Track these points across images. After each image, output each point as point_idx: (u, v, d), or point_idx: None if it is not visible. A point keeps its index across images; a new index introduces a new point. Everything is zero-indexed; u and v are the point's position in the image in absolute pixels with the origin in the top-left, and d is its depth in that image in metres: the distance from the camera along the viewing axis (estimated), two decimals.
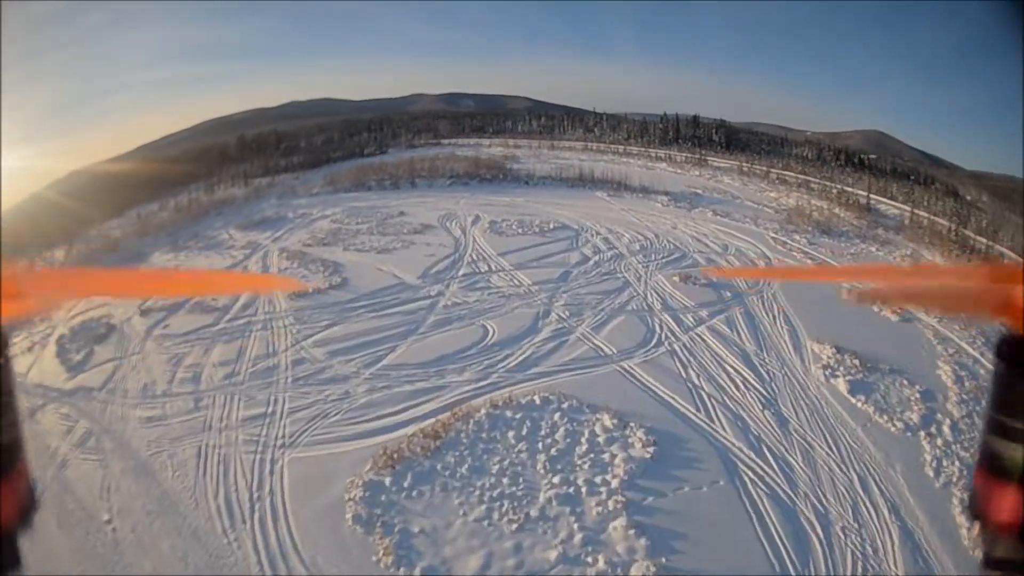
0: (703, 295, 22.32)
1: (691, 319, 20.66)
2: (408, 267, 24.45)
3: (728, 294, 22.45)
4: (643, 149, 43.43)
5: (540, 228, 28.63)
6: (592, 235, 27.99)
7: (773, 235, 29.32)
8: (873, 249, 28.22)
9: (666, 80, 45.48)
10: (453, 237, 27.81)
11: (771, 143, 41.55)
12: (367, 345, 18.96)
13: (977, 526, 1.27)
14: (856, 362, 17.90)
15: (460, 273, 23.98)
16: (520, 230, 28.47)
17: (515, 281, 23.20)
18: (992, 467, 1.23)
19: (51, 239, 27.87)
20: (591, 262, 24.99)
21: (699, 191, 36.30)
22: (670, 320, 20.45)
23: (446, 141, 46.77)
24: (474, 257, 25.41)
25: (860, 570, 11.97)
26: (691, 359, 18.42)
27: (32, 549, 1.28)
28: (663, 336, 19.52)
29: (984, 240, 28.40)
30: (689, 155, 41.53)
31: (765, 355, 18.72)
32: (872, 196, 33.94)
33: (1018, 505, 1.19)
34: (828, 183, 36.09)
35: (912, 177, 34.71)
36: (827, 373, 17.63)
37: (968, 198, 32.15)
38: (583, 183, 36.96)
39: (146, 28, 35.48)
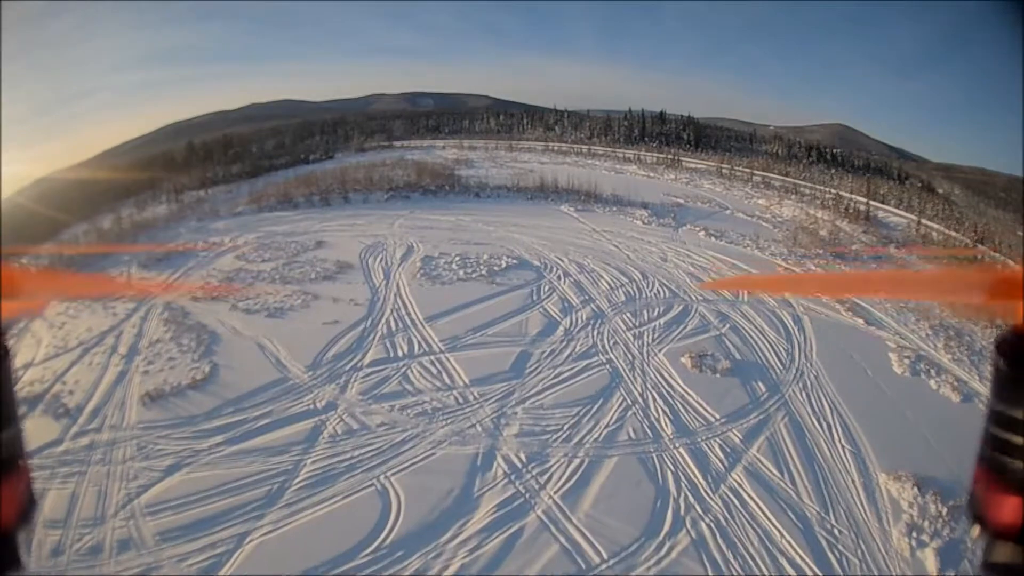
0: (729, 394, 13.16)
1: (720, 454, 11.35)
2: (300, 344, 14.99)
3: (762, 387, 13.42)
4: (609, 148, 36.51)
5: (489, 267, 19.07)
6: (559, 277, 18.53)
7: (784, 263, 20.97)
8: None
9: (627, 76, 38.61)
10: (371, 287, 18.18)
11: (739, 139, 35.82)
12: (201, 527, 9.81)
13: (976, 528, 1.13)
14: (942, 508, 10.35)
15: (367, 360, 14.41)
16: (462, 271, 18.90)
17: (445, 377, 13.67)
18: (991, 469, 1.12)
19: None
20: (559, 331, 15.45)
21: (681, 200, 27.92)
22: (689, 462, 11.14)
23: (398, 143, 39.98)
24: (392, 326, 15.83)
25: None
26: (729, 552, 9.34)
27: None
28: (682, 506, 10.19)
29: (1001, 257, 22.85)
30: (660, 155, 34.75)
31: (832, 518, 10.15)
32: (871, 203, 27.90)
33: (1017, 507, 1.08)
34: (816, 186, 30.09)
35: (886, 173, 30.75)
36: (912, 537, 9.95)
37: (940, 191, 28.65)
38: (545, 194, 27.62)
39: (109, 33, 30.34)
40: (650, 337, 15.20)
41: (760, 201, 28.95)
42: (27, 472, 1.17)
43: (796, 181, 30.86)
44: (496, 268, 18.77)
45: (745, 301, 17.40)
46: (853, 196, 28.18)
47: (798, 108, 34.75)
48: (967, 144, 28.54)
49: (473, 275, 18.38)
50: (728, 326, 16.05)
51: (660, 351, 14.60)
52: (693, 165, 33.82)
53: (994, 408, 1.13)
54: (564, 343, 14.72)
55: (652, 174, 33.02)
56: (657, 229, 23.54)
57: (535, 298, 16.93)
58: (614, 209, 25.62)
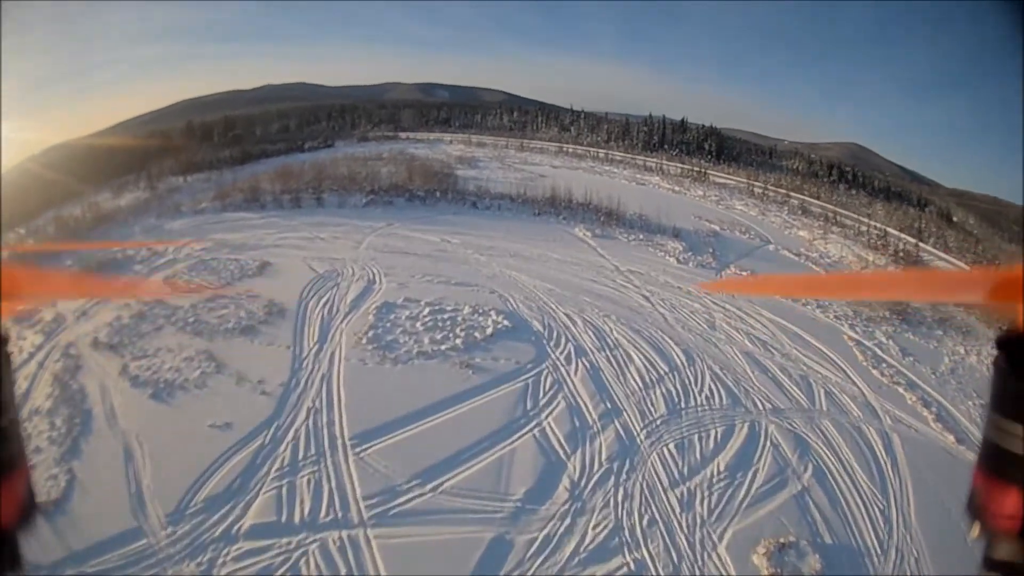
0: None
1: None
2: (172, 464, 8.75)
3: None
4: (628, 155, 30.32)
5: (469, 331, 12.03)
6: (569, 358, 11.44)
7: (853, 335, 14.07)
8: (962, 351, 14.26)
9: (644, 80, 34.88)
10: (296, 356, 11.17)
11: (760, 153, 30.32)
12: None
13: (977, 526, 1.03)
14: None
15: (246, 525, 7.66)
16: (428, 339, 11.79)
17: None
18: (992, 466, 1.02)
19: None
20: (561, 489, 8.36)
21: (716, 228, 20.89)
22: None
23: (404, 135, 34.03)
24: (301, 447, 8.99)
25: None
26: None
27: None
28: None
29: None
30: (684, 167, 28.49)
31: None
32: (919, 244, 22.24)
33: (1017, 507, 0.98)
34: (859, 218, 24.22)
35: (905, 198, 26.55)
36: None
37: (956, 219, 24.73)
38: (556, 209, 20.38)
39: (126, 7, 27.33)
40: (707, 503, 8.18)
41: (801, 233, 22.00)
42: (27, 472, 1.02)
43: (835, 209, 24.64)
44: (479, 335, 11.69)
45: (824, 410, 10.69)
46: (901, 236, 22.24)
47: (812, 124, 30.78)
48: (980, 171, 26.33)
49: (443, 347, 11.27)
50: (810, 467, 9.30)
51: (722, 538, 7.67)
52: (721, 180, 27.39)
53: (994, 408, 0.98)
54: (568, 518, 7.70)
55: (677, 188, 26.18)
56: (696, 271, 16.46)
57: (530, 405, 9.82)
58: (640, 237, 18.47)
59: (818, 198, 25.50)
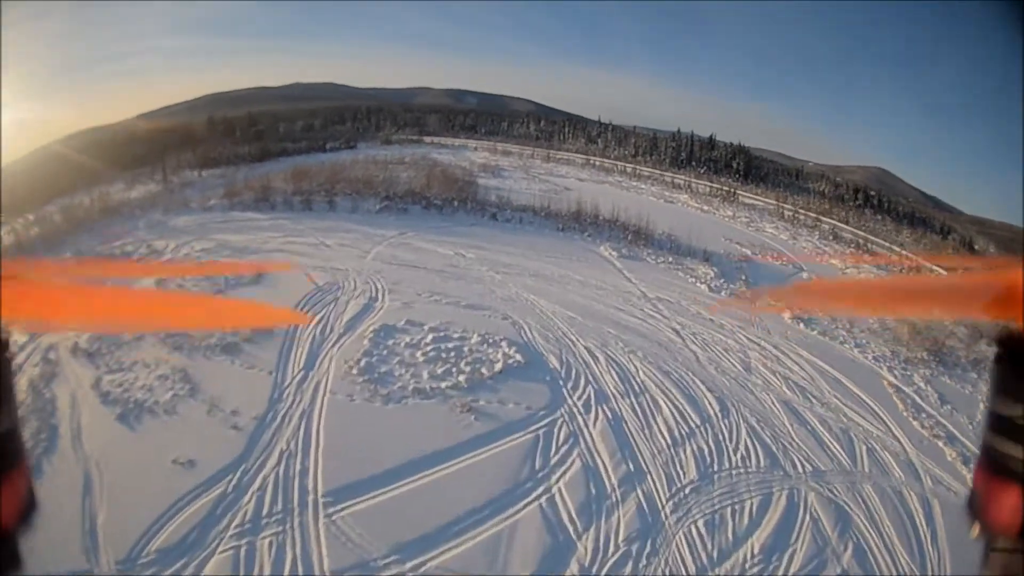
0: None
1: None
2: (117, 520, 7.01)
3: None
4: (656, 171, 28.54)
5: (476, 365, 10.41)
6: (588, 404, 9.75)
7: (892, 379, 12.39)
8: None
9: (671, 94, 32.55)
10: (276, 385, 9.64)
11: (786, 174, 28.55)
12: None
13: (977, 526, 1.00)
14: None
15: None
16: (427, 372, 10.17)
17: None
18: (992, 466, 0.98)
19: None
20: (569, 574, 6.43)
21: (748, 252, 18.90)
22: None
23: (429, 139, 32.38)
24: (267, 501, 7.40)
25: None
26: None
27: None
28: None
29: None
30: (712, 185, 26.83)
31: None
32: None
33: (1018, 505, 0.94)
34: (891, 246, 23.14)
35: (929, 225, 25.44)
36: None
37: (978, 248, 23.73)
38: (581, 225, 18.71)
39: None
40: None
41: (834, 261, 20.28)
42: (27, 472, 0.98)
43: (867, 236, 23.22)
44: (486, 372, 10.05)
45: (866, 472, 9.09)
46: (935, 269, 20.27)
47: (836, 146, 29.25)
48: (999, 198, 23.69)
49: (443, 384, 9.65)
50: (851, 545, 7.74)
51: None
52: (749, 201, 25.73)
53: (994, 408, 0.96)
54: None
55: (707, 208, 24.52)
56: (728, 298, 14.66)
57: (539, 464, 8.17)
58: (669, 260, 16.79)
59: (847, 223, 23.87)
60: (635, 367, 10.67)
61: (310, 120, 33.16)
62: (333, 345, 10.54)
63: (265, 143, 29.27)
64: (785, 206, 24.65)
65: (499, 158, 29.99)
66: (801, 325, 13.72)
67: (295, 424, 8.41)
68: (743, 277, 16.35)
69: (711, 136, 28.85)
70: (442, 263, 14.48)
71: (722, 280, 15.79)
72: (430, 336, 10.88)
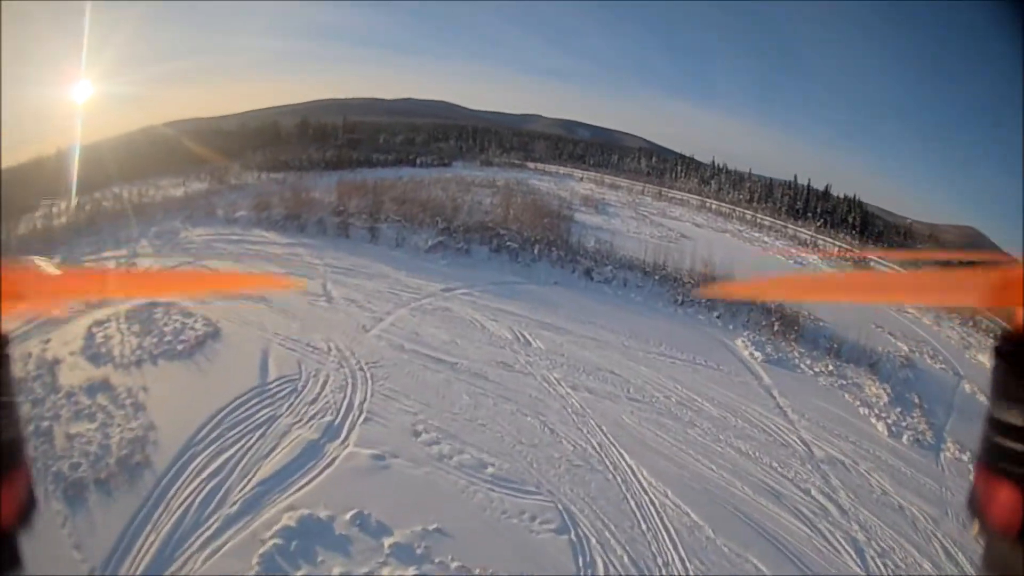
0: None
1: None
2: None
3: None
4: (777, 221, 23.23)
5: None
6: None
7: None
8: None
9: (775, 140, 29.75)
10: None
11: (897, 233, 24.38)
12: None
13: (976, 525, 0.84)
14: None
15: None
16: None
17: None
18: (992, 466, 0.83)
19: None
20: None
21: (904, 348, 12.17)
22: None
23: (532, 165, 27.96)
24: None
25: None
26: None
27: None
28: None
29: None
30: (840, 245, 21.69)
31: None
32: None
33: (1018, 504, 0.80)
34: None
35: None
36: None
37: None
38: (709, 305, 11.13)
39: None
40: None
41: (981, 357, 13.02)
42: (27, 472, 0.86)
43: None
44: None
45: None
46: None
47: (935, 203, 27.12)
48: None
49: None
50: None
51: None
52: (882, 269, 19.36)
53: (994, 407, 0.81)
54: None
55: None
56: (912, 453, 7.35)
57: None
58: (829, 368, 9.84)
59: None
60: None
61: (413, 134, 29.61)
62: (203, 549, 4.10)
63: (348, 152, 24.14)
64: None
65: (605, 191, 23.87)
66: None
67: None
68: (916, 400, 9.25)
69: (827, 187, 24.87)
70: (488, 356, 7.70)
71: (898, 410, 8.68)
72: (390, 566, 4.18)
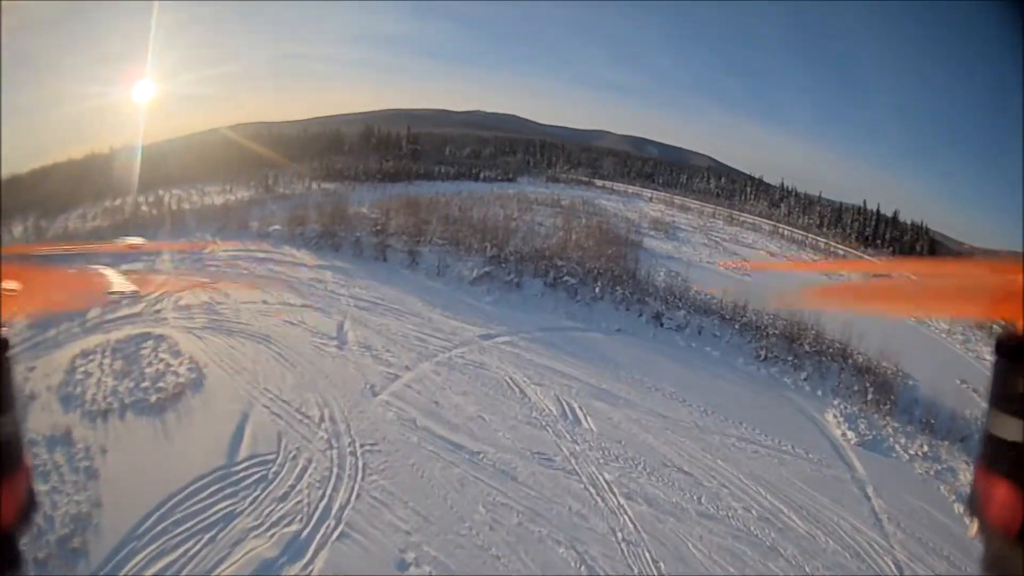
0: None
1: None
2: None
3: None
4: (850, 249, 21.01)
5: None
6: None
7: None
8: None
9: (835, 161, 27.64)
10: None
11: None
12: None
13: (976, 524, 0.82)
14: None
15: None
16: None
17: None
18: (992, 465, 0.81)
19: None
20: None
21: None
22: None
23: (600, 183, 26.27)
24: None
25: None
26: None
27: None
28: None
29: None
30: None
31: None
32: None
33: (1018, 503, 0.79)
34: None
35: None
36: None
37: None
38: (794, 353, 8.81)
39: (352, 7, 25.44)
40: None
41: None
42: (27, 472, 0.83)
43: None
44: None
45: None
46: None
47: (987, 225, 24.67)
48: None
49: None
50: None
51: None
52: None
53: (994, 405, 0.79)
54: None
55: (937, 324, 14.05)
56: None
57: None
58: (924, 450, 8.15)
59: None
60: None
61: (480, 147, 28.27)
62: None
63: (409, 163, 22.68)
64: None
65: (675, 213, 21.87)
66: None
67: None
68: None
69: (895, 213, 23.29)
70: (522, 442, 5.81)
71: None
72: None
